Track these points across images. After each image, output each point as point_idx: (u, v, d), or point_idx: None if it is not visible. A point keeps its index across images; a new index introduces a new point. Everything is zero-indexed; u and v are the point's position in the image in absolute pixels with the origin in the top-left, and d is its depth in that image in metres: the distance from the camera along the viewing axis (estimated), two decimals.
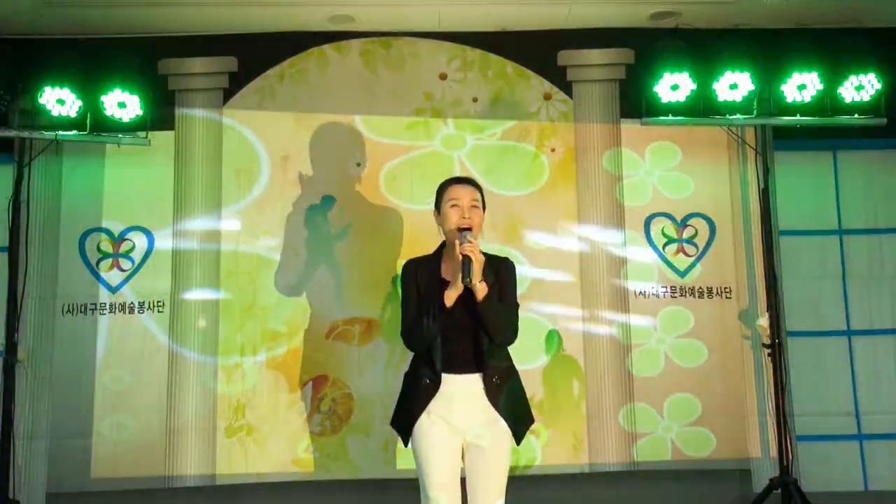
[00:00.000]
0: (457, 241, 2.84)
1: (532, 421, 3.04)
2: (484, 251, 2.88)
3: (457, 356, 2.89)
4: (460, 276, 2.78)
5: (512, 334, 2.95)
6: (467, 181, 3.07)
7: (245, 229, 4.47)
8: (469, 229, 2.89)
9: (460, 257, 2.79)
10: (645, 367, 4.44)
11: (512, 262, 3.04)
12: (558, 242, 4.52)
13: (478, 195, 3.01)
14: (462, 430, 2.89)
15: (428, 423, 2.89)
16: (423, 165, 4.51)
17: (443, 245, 3.05)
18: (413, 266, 3.04)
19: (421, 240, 4.34)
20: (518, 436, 2.95)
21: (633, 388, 4.42)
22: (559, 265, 4.49)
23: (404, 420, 2.96)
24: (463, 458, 2.93)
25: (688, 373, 4.44)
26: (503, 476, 2.90)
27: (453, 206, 2.96)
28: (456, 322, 2.87)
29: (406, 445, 2.96)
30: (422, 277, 2.96)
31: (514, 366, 3.02)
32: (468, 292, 2.84)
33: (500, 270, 2.98)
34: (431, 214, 3.11)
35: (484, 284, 2.82)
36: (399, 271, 4.15)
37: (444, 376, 2.89)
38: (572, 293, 4.48)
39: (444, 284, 2.89)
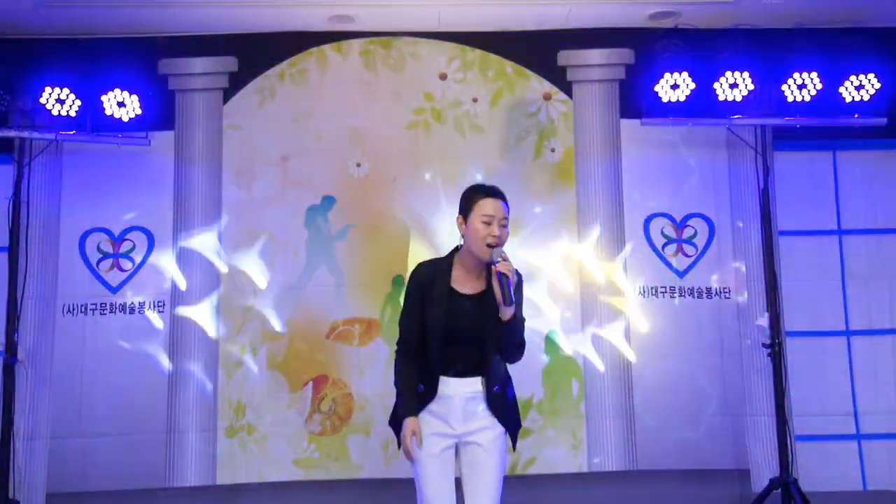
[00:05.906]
0: (492, 258, 2.84)
1: (520, 426, 3.05)
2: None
3: (458, 362, 2.88)
4: (501, 296, 2.79)
5: (522, 353, 2.96)
6: (500, 195, 2.98)
7: (245, 229, 4.47)
8: (498, 246, 2.87)
9: (496, 274, 2.80)
10: (644, 367, 4.45)
11: (520, 275, 2.97)
12: (558, 242, 4.52)
13: (507, 213, 2.96)
14: (459, 433, 2.88)
15: (424, 429, 2.86)
16: (423, 165, 4.51)
17: (455, 250, 3.00)
18: (424, 271, 2.96)
19: (421, 240, 4.36)
20: (514, 442, 2.97)
21: (633, 388, 4.43)
22: (559, 265, 4.49)
23: (402, 424, 2.93)
24: (457, 456, 2.92)
25: (687, 373, 4.45)
26: (499, 481, 2.88)
27: (485, 221, 2.88)
28: (461, 331, 2.86)
29: (399, 447, 2.92)
30: (431, 286, 2.91)
31: (508, 371, 3.02)
32: (481, 302, 2.86)
33: None
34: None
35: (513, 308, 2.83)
36: (399, 271, 4.13)
37: (444, 379, 2.88)
38: (572, 293, 4.48)
39: (455, 295, 2.88)
